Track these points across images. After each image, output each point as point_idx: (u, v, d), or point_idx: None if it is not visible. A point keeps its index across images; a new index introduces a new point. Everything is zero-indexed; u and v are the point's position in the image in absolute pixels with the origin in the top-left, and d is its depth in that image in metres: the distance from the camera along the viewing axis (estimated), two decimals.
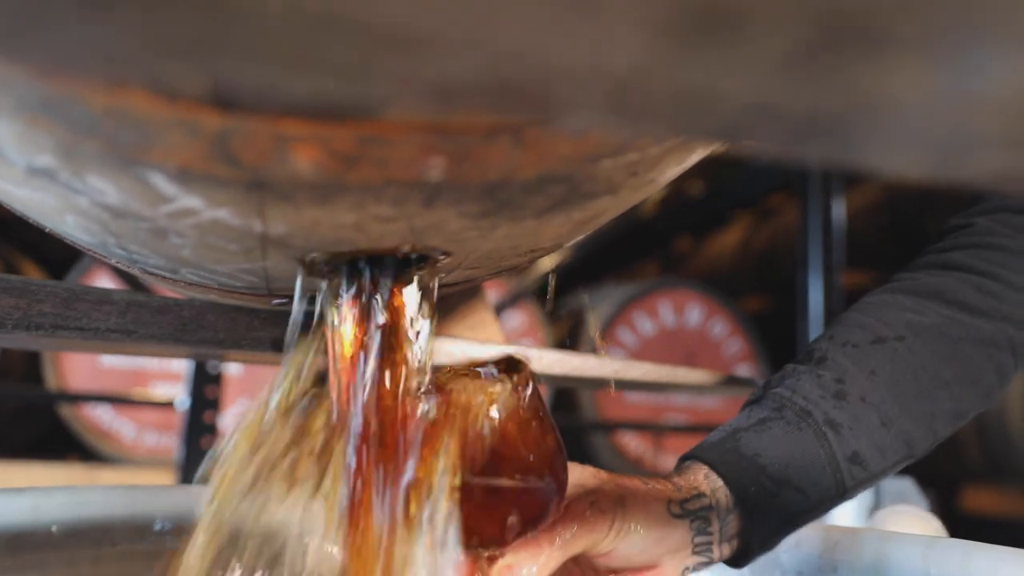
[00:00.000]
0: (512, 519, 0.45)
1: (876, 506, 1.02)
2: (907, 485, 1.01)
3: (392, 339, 0.46)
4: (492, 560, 0.47)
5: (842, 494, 0.58)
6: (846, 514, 1.04)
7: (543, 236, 0.43)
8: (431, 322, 0.47)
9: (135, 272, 0.52)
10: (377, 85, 0.18)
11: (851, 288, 2.16)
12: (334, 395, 0.48)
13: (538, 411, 0.46)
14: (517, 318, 2.31)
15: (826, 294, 1.97)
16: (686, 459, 0.58)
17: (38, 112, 0.29)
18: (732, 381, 1.07)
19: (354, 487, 0.45)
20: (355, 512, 0.45)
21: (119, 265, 0.52)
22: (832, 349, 0.61)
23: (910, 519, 0.85)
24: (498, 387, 0.45)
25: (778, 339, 2.47)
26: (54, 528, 0.58)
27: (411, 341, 0.46)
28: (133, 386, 2.00)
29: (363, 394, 0.46)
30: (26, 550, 0.57)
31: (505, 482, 0.43)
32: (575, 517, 0.49)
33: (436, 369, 0.46)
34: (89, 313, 0.61)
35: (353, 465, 0.46)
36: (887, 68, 0.17)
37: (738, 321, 2.62)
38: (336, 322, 0.47)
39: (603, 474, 0.53)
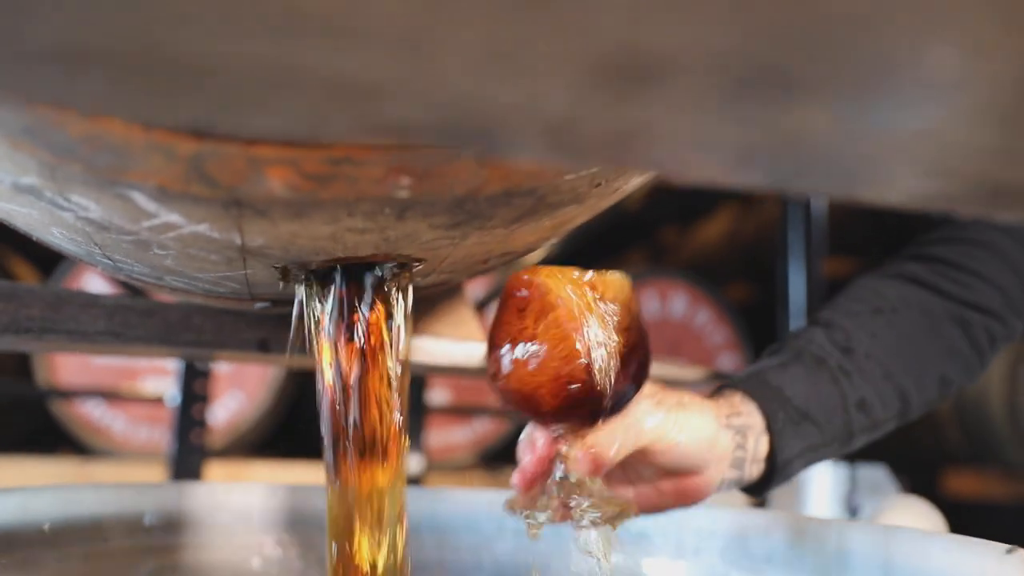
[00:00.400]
0: (598, 407, 0.50)
1: (851, 493, 1.04)
2: (881, 473, 1.04)
3: (371, 337, 0.48)
4: (579, 438, 0.51)
5: (848, 438, 0.64)
6: (822, 501, 1.06)
7: (514, 242, 0.45)
8: (407, 321, 0.49)
9: (121, 279, 0.54)
10: (333, 126, 0.20)
11: (834, 275, 2.18)
12: (322, 391, 0.50)
13: (630, 316, 0.51)
14: None
15: (808, 283, 1.99)
16: (720, 389, 0.64)
17: (20, 136, 0.30)
18: (715, 377, 1.09)
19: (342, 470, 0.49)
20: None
21: (105, 272, 0.53)
22: (836, 315, 0.67)
23: (914, 512, 0.88)
24: (597, 289, 0.50)
25: (763, 328, 2.49)
26: (46, 526, 0.59)
27: (390, 339, 0.48)
28: (123, 381, 2.01)
29: (349, 389, 0.49)
30: (18, 548, 0.59)
31: (594, 373, 0.48)
32: (644, 413, 0.54)
33: (537, 270, 0.50)
34: (76, 316, 0.62)
35: (338, 450, 0.49)
36: (803, 110, 0.19)
37: (723, 310, 2.64)
38: (319, 323, 0.48)
39: (659, 386, 0.58)
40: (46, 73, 0.18)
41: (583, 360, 0.48)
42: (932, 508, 0.90)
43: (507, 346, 0.49)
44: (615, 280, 0.51)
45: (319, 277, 0.46)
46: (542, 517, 0.52)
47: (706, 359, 2.62)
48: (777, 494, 1.12)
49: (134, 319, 0.63)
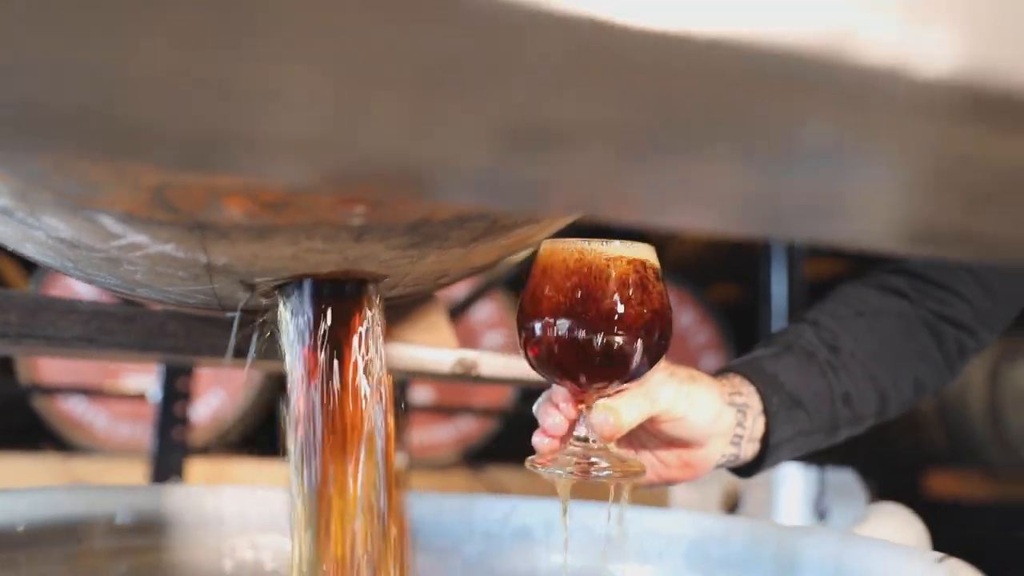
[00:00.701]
0: (619, 370, 0.54)
1: (820, 496, 1.06)
2: (850, 477, 1.06)
3: (337, 348, 0.50)
4: (602, 397, 0.55)
5: (833, 429, 0.68)
6: (792, 504, 1.09)
7: (473, 260, 0.46)
8: (376, 331, 0.50)
9: (95, 287, 0.55)
10: (281, 176, 0.21)
11: (816, 276, 2.20)
12: (292, 398, 0.52)
13: (654, 286, 0.54)
14: (487, 309, 2.34)
15: (789, 284, 2.01)
16: (720, 372, 0.67)
17: None
18: None
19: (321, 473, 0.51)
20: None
21: (80, 281, 0.54)
22: (822, 316, 0.71)
23: (896, 520, 0.90)
24: (623, 259, 0.53)
25: (746, 328, 2.51)
26: (21, 528, 0.60)
27: (356, 349, 0.50)
28: (106, 378, 2.01)
29: (316, 395, 0.51)
30: None
31: (620, 340, 0.53)
32: (659, 383, 0.57)
33: (567, 242, 0.53)
34: (55, 322, 0.63)
35: (312, 455, 0.51)
36: (701, 165, 0.21)
37: (706, 311, 2.66)
38: (286, 334, 0.50)
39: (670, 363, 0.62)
40: (13, 131, 0.20)
41: (610, 326, 0.52)
42: (913, 515, 0.92)
43: (539, 314, 0.53)
44: (641, 250, 0.54)
45: (285, 291, 0.47)
46: (562, 474, 0.54)
47: (690, 359, 2.64)
48: (749, 496, 1.14)
49: (111, 325, 0.64)
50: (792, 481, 1.09)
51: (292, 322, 0.49)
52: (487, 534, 0.73)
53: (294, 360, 0.51)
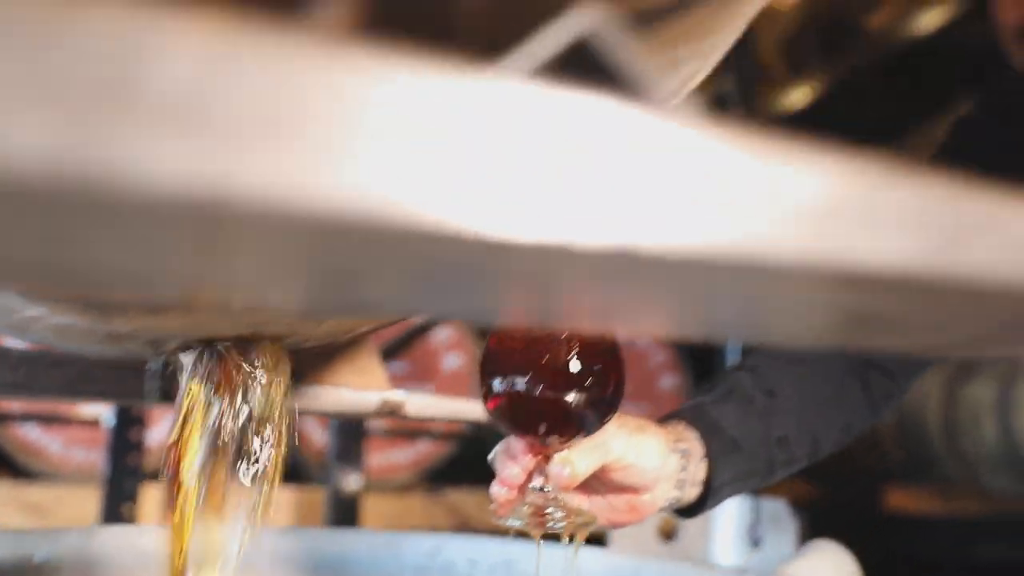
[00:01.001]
0: (574, 425, 0.58)
1: (754, 525, 1.09)
2: (782, 507, 1.09)
3: (238, 398, 0.52)
4: (558, 448, 0.59)
5: (769, 471, 0.72)
6: (727, 532, 1.11)
7: (375, 319, 0.48)
8: (281, 381, 0.52)
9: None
10: (154, 293, 0.24)
11: None
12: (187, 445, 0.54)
13: (609, 345, 0.58)
14: (445, 332, 2.35)
15: None
16: (667, 418, 0.71)
17: None
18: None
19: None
20: None
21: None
22: (761, 363, 0.76)
23: (831, 559, 0.94)
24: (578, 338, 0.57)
25: (704, 349, 2.54)
26: None
27: (258, 399, 0.52)
28: (60, 404, 2.01)
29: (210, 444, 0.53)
30: None
31: (576, 397, 0.57)
32: (611, 435, 0.61)
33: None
34: None
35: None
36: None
37: None
38: (191, 387, 0.52)
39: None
40: None
41: (567, 384, 0.56)
42: (846, 552, 0.96)
43: (498, 371, 0.56)
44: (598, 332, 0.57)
45: (192, 347, 0.49)
46: (520, 524, 0.58)
47: (647, 379, 2.67)
48: (685, 524, 1.17)
49: (39, 371, 0.66)
50: (727, 510, 1.12)
51: (191, 371, 0.51)
52: (416, 568, 0.75)
53: (183, 405, 0.52)
